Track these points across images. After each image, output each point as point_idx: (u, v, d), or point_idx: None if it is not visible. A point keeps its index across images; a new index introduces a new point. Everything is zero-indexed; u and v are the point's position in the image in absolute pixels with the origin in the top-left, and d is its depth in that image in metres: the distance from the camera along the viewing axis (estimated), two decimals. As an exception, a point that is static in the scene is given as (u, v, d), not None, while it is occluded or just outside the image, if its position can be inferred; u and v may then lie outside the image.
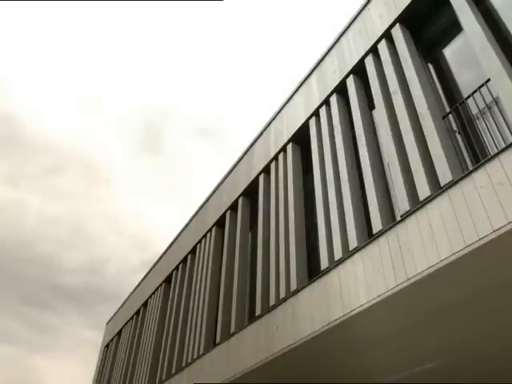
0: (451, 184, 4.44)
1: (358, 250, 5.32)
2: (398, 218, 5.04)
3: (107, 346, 16.01)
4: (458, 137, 5.23)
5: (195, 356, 8.52)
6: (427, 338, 5.38)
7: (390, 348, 5.67)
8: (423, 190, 4.77)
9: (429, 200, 4.62)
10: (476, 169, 4.25)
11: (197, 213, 11.31)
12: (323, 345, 5.75)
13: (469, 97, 5.13)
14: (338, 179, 6.34)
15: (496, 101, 4.74)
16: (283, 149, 8.13)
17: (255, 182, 8.77)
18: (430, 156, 4.90)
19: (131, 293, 14.96)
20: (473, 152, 4.93)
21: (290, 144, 7.96)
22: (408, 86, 5.66)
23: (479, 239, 3.94)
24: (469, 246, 4.02)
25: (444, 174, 4.58)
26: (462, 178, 4.36)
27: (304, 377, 6.82)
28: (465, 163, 4.93)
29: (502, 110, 4.67)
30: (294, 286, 6.27)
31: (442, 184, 4.59)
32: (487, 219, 3.95)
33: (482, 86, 4.90)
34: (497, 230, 3.83)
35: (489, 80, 4.71)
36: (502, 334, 5.12)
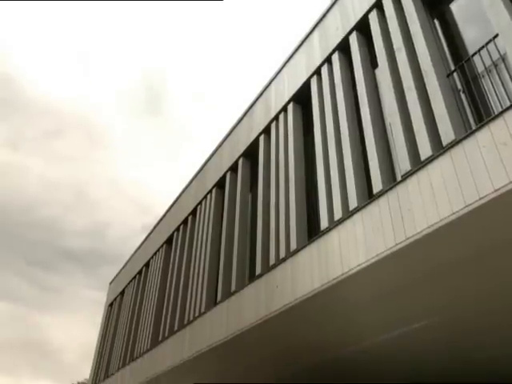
0: (453, 143, 4.38)
1: (357, 210, 5.33)
2: (399, 178, 5.02)
3: (111, 304, 16.38)
4: (462, 96, 5.13)
5: (197, 314, 8.72)
6: (427, 296, 5.47)
7: (389, 306, 5.77)
8: (425, 150, 4.72)
9: (430, 160, 4.58)
10: (479, 128, 4.18)
11: (197, 174, 11.28)
12: (322, 303, 5.86)
13: (475, 54, 4.99)
14: (339, 139, 6.27)
15: (503, 57, 4.61)
16: (284, 109, 8.00)
17: (255, 142, 8.70)
18: (433, 115, 4.82)
19: (133, 254, 15.17)
20: (477, 111, 4.84)
21: (291, 104, 7.83)
22: (412, 42, 5.50)
23: (480, 199, 3.93)
24: (469, 205, 4.01)
25: (446, 134, 4.52)
26: (464, 138, 4.30)
27: (303, 334, 7.00)
28: (468, 123, 4.85)
29: (508, 67, 4.56)
30: (293, 246, 6.33)
31: (444, 143, 4.53)
32: (488, 179, 3.92)
33: (490, 42, 4.75)
34: (498, 189, 3.81)
35: (496, 36, 4.56)
36: (503, 290, 5.21)
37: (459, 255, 4.54)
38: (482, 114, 4.67)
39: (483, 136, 4.11)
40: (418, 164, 4.78)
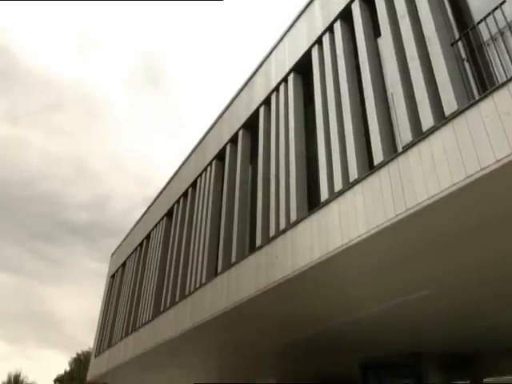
0: (456, 114, 4.32)
1: (358, 182, 5.31)
2: (400, 150, 4.97)
3: (113, 276, 16.58)
4: (466, 65, 5.03)
5: (197, 285, 8.83)
6: (428, 267, 5.52)
7: (390, 277, 5.83)
8: (427, 121, 4.67)
9: (432, 131, 4.52)
10: (483, 98, 4.11)
11: (197, 146, 11.22)
12: (322, 274, 5.91)
13: (480, 21, 4.86)
14: (340, 110, 6.19)
15: (510, 25, 4.50)
16: (284, 79, 7.88)
17: (255, 114, 8.61)
18: (436, 84, 4.74)
19: (134, 226, 15.25)
20: (481, 81, 4.75)
21: (292, 74, 7.70)
22: (416, 9, 5.35)
23: (481, 169, 3.90)
24: (470, 176, 3.99)
25: (449, 104, 4.46)
26: (467, 108, 4.23)
27: (302, 305, 7.09)
28: (471, 93, 4.77)
29: (514, 35, 4.44)
30: (293, 218, 6.34)
31: (446, 114, 4.47)
32: (490, 149, 3.88)
33: (496, 9, 4.62)
34: (499, 160, 3.78)
35: (503, 2, 4.44)
36: (505, 260, 5.27)
37: (460, 226, 4.55)
38: (486, 84, 4.59)
39: (486, 106, 4.05)
40: (419, 135, 4.73)
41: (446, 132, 4.38)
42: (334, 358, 10.56)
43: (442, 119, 4.53)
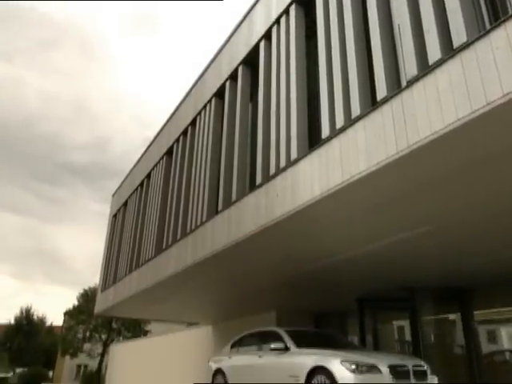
0: (465, 45, 4.15)
1: (360, 118, 5.21)
2: (404, 84, 4.83)
3: (115, 215, 16.79)
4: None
5: (198, 223, 8.95)
6: (427, 203, 5.58)
7: (391, 213, 5.90)
8: (434, 53, 4.49)
9: (439, 64, 4.37)
10: (494, 27, 3.93)
11: (195, 84, 10.92)
12: (322, 212, 5.97)
13: None
14: (344, 43, 5.94)
15: None
16: (286, 11, 7.49)
17: (255, 49, 8.28)
18: (446, 12, 4.51)
19: (134, 166, 15.21)
20: (494, 10, 4.53)
21: (294, 5, 7.31)
22: None
23: (487, 104, 3.80)
24: (475, 111, 3.90)
25: (458, 33, 4.26)
26: (477, 39, 4.06)
27: (302, 242, 7.23)
28: (483, 23, 4.55)
29: (532, -41, 4.16)
30: (294, 155, 6.30)
31: (455, 45, 4.29)
32: (498, 83, 3.76)
33: None
34: (507, 94, 3.68)
35: None
36: (506, 195, 5.31)
37: (463, 162, 4.54)
38: (499, 13, 4.37)
39: (498, 36, 3.88)
40: (425, 68, 4.57)
41: (453, 65, 4.23)
42: (332, 293, 10.95)
43: (449, 51, 4.36)
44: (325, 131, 5.84)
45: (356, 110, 5.36)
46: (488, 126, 4.01)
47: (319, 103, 6.23)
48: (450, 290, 10.06)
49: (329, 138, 5.67)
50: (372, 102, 5.33)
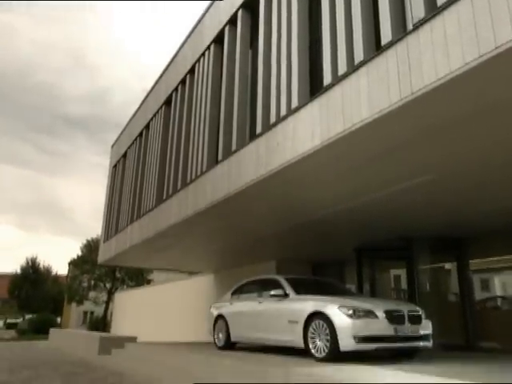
0: (476, -16, 3.94)
1: (363, 64, 5.05)
2: (411, 27, 4.64)
3: (114, 166, 16.75)
4: None
5: (199, 173, 8.93)
6: (429, 152, 5.53)
7: (390, 163, 5.86)
8: (443, -7, 4.28)
9: (448, 4, 4.17)
10: (508, -36, 3.71)
11: (193, 29, 10.53)
12: (322, 161, 5.92)
13: None
14: (349, -16, 5.67)
15: None
16: (288, -51, 7.10)
17: (256, -9, 7.92)
18: None
19: (132, 116, 14.99)
20: None
21: None
22: None
23: (496, 48, 3.66)
24: (483, 55, 3.77)
25: (470, -28, 4.04)
26: (489, -23, 3.85)
27: (301, 192, 7.24)
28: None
29: None
30: (295, 104, 6.18)
31: (466, -16, 4.08)
32: (510, 24, 3.61)
33: None
34: (517, 36, 3.53)
35: None
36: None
37: (468, 109, 4.45)
38: None
39: (511, -26, 3.67)
40: (433, 10, 4.37)
41: (462, 6, 4.04)
42: (331, 243, 11.13)
43: (459, -9, 4.15)
44: (327, 78, 5.69)
45: (359, 55, 5.19)
46: (495, 72, 3.89)
47: (321, 49, 6.03)
48: (446, 239, 10.21)
49: (330, 86, 5.53)
50: (376, 47, 5.15)
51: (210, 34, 9.41)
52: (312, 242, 11.04)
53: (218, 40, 9.08)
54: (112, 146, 17.54)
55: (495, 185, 6.70)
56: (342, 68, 5.42)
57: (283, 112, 6.41)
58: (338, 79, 5.43)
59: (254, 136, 7.19)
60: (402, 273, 11.59)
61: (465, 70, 3.90)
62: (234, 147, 7.72)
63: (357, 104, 4.99)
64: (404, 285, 11.20)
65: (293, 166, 6.02)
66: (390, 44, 4.75)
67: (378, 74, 4.83)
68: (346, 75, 5.29)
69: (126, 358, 10.53)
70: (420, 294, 9.98)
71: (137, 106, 14.53)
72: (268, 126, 6.74)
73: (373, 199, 7.22)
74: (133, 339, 12.44)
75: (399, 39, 4.66)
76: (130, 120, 15.17)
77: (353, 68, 5.23)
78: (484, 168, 6.06)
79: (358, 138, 5.13)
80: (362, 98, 4.94)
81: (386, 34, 4.89)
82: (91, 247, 36.21)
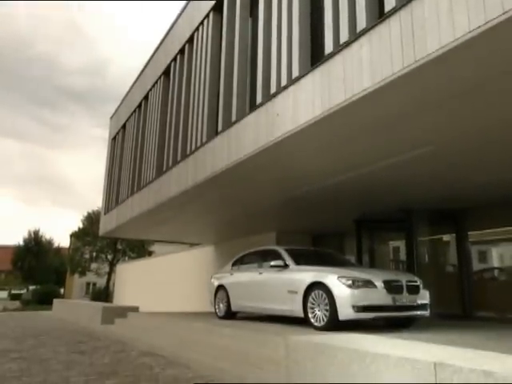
0: None
1: (366, 32, 4.94)
2: (415, -7, 4.51)
3: (114, 138, 16.64)
4: None
5: (199, 144, 8.88)
6: (430, 124, 5.47)
7: (390, 134, 5.81)
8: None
9: (454, -32, 4.04)
10: None
11: (192, -3, 10.26)
12: (323, 132, 5.87)
13: None
14: None
15: None
16: None
17: (256, -44, 7.68)
18: None
19: (130, 87, 14.78)
20: None
21: None
22: None
23: (504, 13, 3.56)
24: (488, 22, 3.67)
25: None
26: None
27: (301, 162, 7.20)
28: None
29: None
30: (295, 73, 6.07)
31: None
32: (517, -11, 3.50)
33: None
34: (525, 1, 3.43)
35: None
36: None
37: (472, 80, 4.38)
38: None
39: None
40: (438, -25, 4.24)
41: (469, -30, 3.91)
42: (330, 214, 11.16)
43: (466, -46, 4.01)
44: (328, 47, 5.57)
45: (362, 23, 5.06)
46: (501, 39, 3.80)
47: (323, 16, 5.89)
48: (445, 212, 10.25)
49: (332, 55, 5.42)
50: (379, 15, 5.02)
51: (209, 2, 9.18)
52: (312, 213, 11.07)
53: (218, 7, 8.85)
54: (111, 118, 17.37)
55: (493, 157, 6.68)
56: (344, 36, 5.30)
57: (284, 82, 6.31)
58: (339, 48, 5.32)
59: (254, 106, 7.10)
60: (401, 244, 11.67)
61: (469, 38, 3.81)
62: (233, 118, 7.64)
63: (358, 73, 4.91)
64: (403, 256, 11.30)
65: (293, 136, 5.97)
66: (394, 10, 4.63)
67: (380, 42, 4.72)
68: (347, 44, 5.18)
69: (128, 327, 10.73)
70: (419, 265, 10.09)
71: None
72: (268, 96, 6.65)
73: (372, 171, 7.20)
74: (135, 309, 12.67)
75: (403, 5, 4.53)
76: (129, 91, 14.97)
77: (355, 36, 5.11)
78: (482, 141, 6.03)
79: (359, 108, 5.06)
80: (364, 67, 4.85)
81: (390, 1, 4.76)
82: (92, 219, 36.40)
